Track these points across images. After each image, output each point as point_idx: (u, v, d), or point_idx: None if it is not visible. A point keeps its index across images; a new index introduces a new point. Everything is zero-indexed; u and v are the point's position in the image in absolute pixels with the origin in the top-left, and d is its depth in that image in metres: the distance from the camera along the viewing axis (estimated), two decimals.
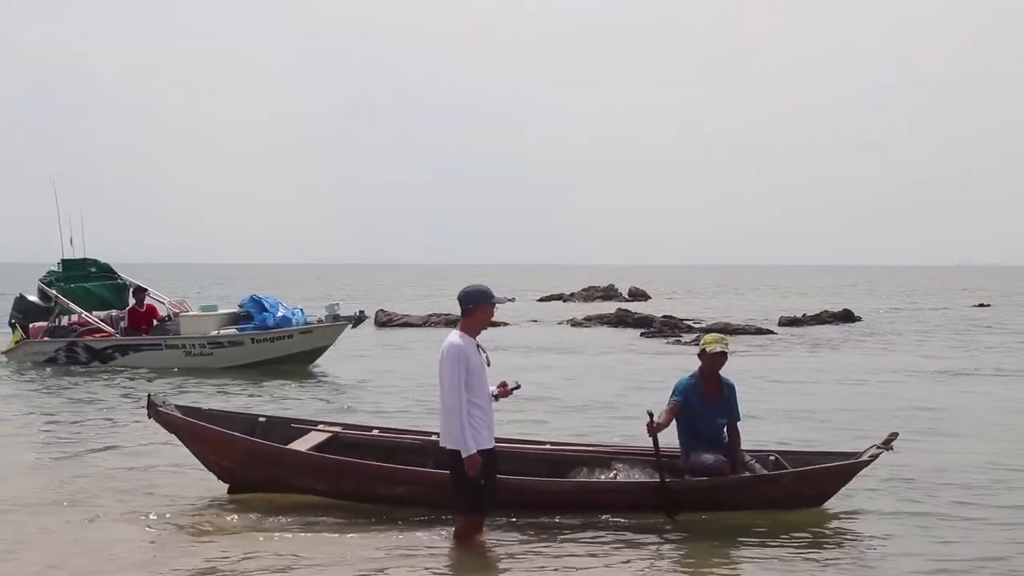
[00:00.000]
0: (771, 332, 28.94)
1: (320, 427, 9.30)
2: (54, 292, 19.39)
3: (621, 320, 32.53)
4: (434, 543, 7.31)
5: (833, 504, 8.23)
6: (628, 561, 7.04)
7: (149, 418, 8.63)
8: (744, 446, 8.30)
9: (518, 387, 7.43)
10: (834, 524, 7.94)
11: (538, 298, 52.09)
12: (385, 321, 33.04)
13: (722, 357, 8.06)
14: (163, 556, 7.06)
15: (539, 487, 7.96)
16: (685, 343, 24.99)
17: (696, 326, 29.94)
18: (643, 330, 29.60)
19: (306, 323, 18.87)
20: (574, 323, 33.31)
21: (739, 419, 8.21)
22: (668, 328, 29.50)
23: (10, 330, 19.99)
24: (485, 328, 7.14)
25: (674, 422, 8.05)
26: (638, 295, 52.01)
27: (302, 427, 9.26)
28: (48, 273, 20.13)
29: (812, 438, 11.45)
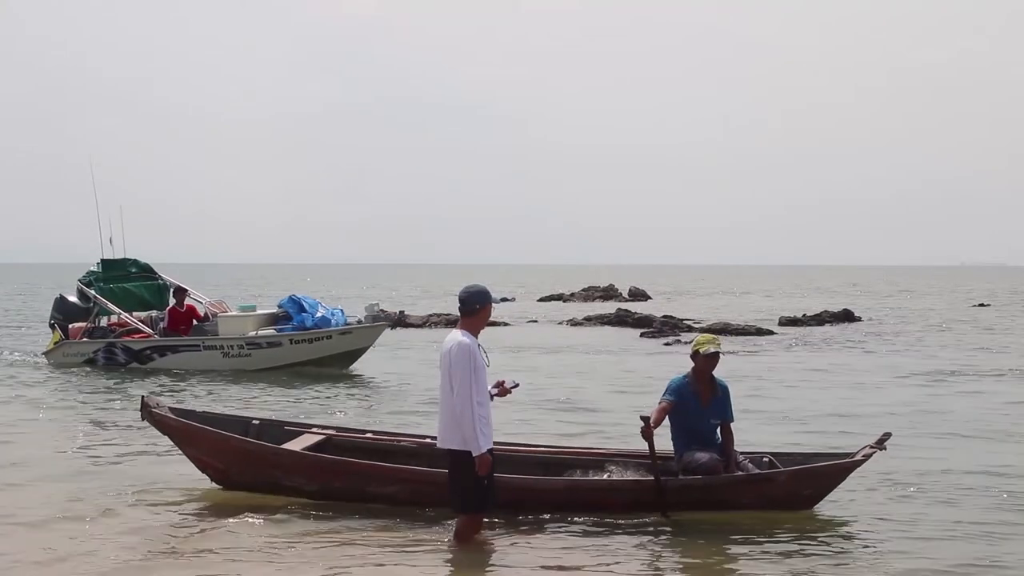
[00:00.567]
0: (771, 332, 28.93)
1: (313, 430, 9.30)
2: (93, 292, 19.21)
3: (621, 320, 32.53)
4: (434, 542, 7.32)
5: (826, 504, 8.24)
6: (627, 561, 7.05)
7: (142, 419, 8.62)
8: (739, 447, 8.33)
9: (516, 386, 7.44)
10: (827, 524, 7.94)
11: (538, 298, 52.09)
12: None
13: (715, 358, 8.08)
14: (155, 557, 7.06)
15: (532, 486, 7.96)
16: (685, 343, 24.96)
17: (696, 326, 29.92)
18: (643, 330, 29.59)
19: (346, 324, 18.58)
20: (574, 323, 33.30)
21: (733, 420, 8.23)
22: (668, 328, 29.48)
23: (51, 331, 19.67)
24: (483, 327, 7.16)
25: (668, 424, 8.06)
26: (638, 295, 51.99)
27: (295, 429, 9.26)
28: (87, 273, 19.91)
29: (808, 438, 11.45)
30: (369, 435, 9.34)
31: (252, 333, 18.30)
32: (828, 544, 7.45)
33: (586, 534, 7.56)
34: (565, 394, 15.62)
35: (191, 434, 8.54)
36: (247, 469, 8.36)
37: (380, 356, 20.52)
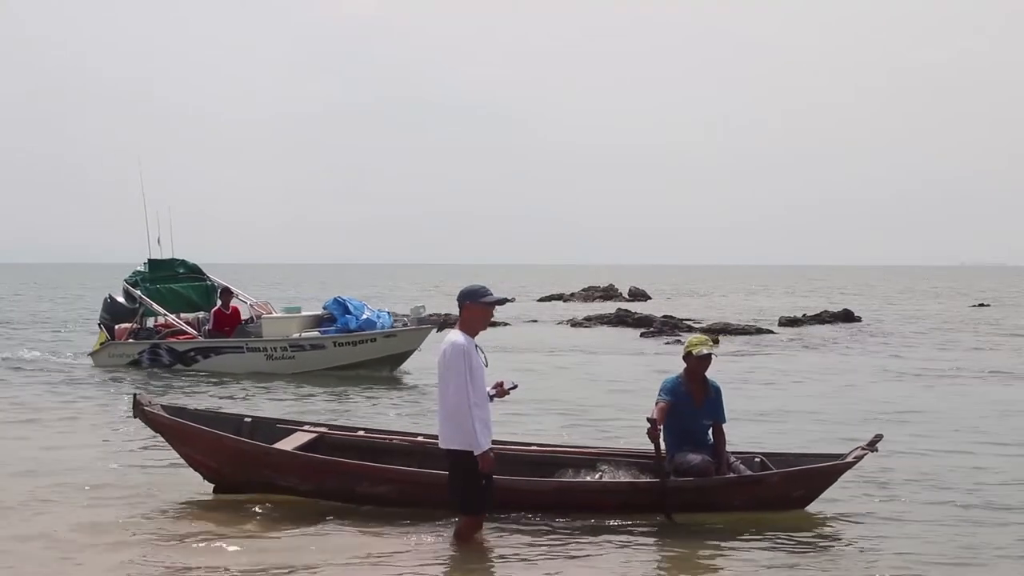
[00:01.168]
0: (771, 332, 28.94)
1: (306, 428, 9.30)
2: (138, 292, 19.07)
3: (621, 320, 32.52)
4: (434, 542, 7.31)
5: (818, 505, 8.23)
6: (627, 562, 7.05)
7: (135, 417, 8.60)
8: (732, 447, 8.35)
9: (515, 387, 7.43)
10: (819, 525, 7.95)
11: (538, 298, 52.06)
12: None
13: (708, 359, 8.12)
14: (148, 557, 7.04)
15: (525, 487, 7.94)
16: (685, 343, 24.91)
17: (696, 326, 29.91)
18: (643, 330, 29.59)
19: (392, 326, 18.25)
20: (574, 323, 33.29)
21: (725, 421, 8.23)
22: (668, 328, 29.47)
23: (100, 331, 19.59)
24: (483, 327, 7.13)
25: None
26: (638, 295, 51.96)
27: (288, 427, 9.25)
28: (134, 273, 19.75)
29: (804, 439, 11.43)
30: (362, 433, 9.33)
31: (296, 335, 18.06)
32: (820, 545, 7.46)
33: (586, 535, 7.55)
34: (564, 394, 15.61)
35: (184, 433, 8.53)
36: (240, 468, 8.35)
37: (426, 359, 20.06)
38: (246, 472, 8.33)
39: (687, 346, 8.23)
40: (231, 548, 7.22)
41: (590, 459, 8.62)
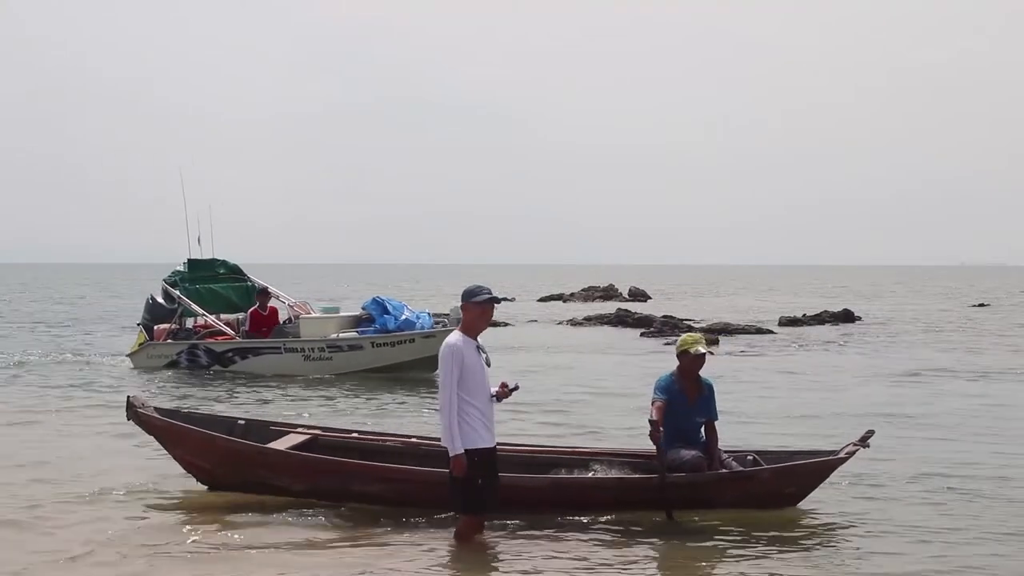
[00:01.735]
0: (771, 332, 28.94)
1: (299, 429, 9.29)
2: (177, 293, 18.83)
3: (621, 320, 32.52)
4: (434, 542, 7.30)
5: (811, 502, 8.23)
6: (627, 562, 7.06)
7: (128, 419, 8.57)
8: (726, 446, 8.37)
9: (517, 388, 7.44)
10: (812, 523, 7.94)
11: (538, 298, 52.08)
12: None
13: (703, 357, 8.13)
14: (140, 557, 7.04)
15: (518, 484, 7.90)
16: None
17: (696, 326, 29.90)
18: (643, 330, 29.59)
19: (432, 327, 17.76)
20: (574, 323, 33.30)
21: (717, 418, 8.25)
22: (668, 328, 29.45)
23: (139, 331, 19.34)
24: (483, 327, 7.13)
25: (645, 423, 8.10)
26: (638, 295, 51.97)
27: (281, 429, 9.25)
28: (173, 273, 19.49)
29: (801, 437, 11.40)
30: (355, 435, 9.34)
31: (334, 335, 17.75)
32: (811, 542, 7.46)
33: (586, 535, 7.55)
34: (562, 394, 15.62)
35: (177, 434, 8.51)
36: (233, 469, 8.34)
37: (511, 363, 19.29)
38: (239, 473, 8.32)
39: (682, 344, 8.21)
40: (224, 549, 7.21)
41: (583, 459, 8.64)
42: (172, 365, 18.25)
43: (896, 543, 7.44)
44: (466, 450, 6.81)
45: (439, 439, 9.07)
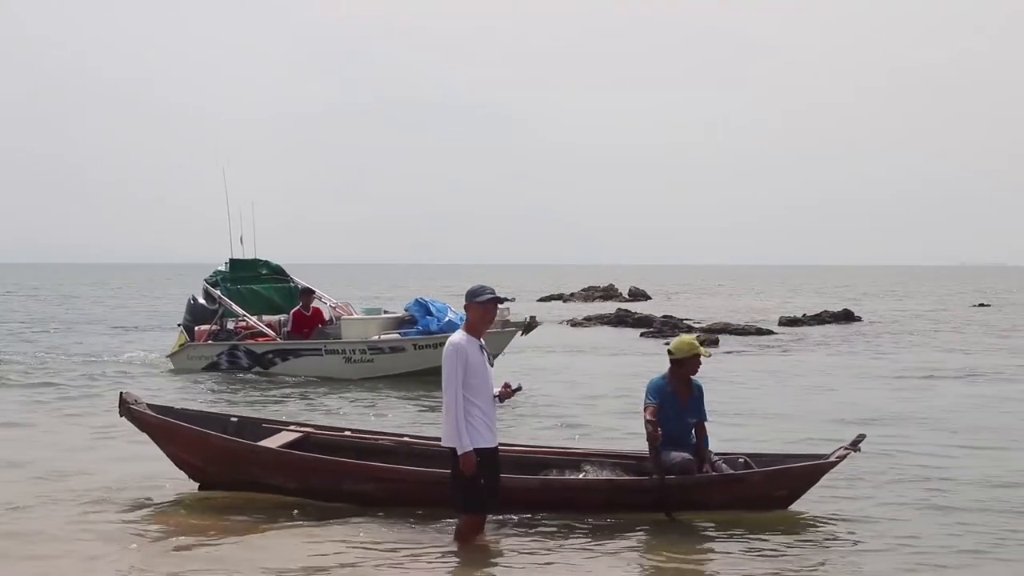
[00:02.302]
0: (771, 332, 28.94)
1: (291, 427, 9.30)
2: (218, 293, 18.58)
3: (621, 320, 32.53)
4: (434, 542, 7.30)
5: (802, 505, 8.24)
6: (626, 562, 7.07)
7: (121, 416, 8.59)
8: (718, 448, 8.40)
9: (519, 388, 7.46)
10: (803, 525, 7.95)
11: (538, 298, 52.06)
12: None
13: (699, 361, 8.15)
14: (133, 557, 7.05)
15: (507, 484, 7.92)
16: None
17: (696, 326, 29.91)
18: (643, 330, 29.60)
19: None
20: (574, 323, 33.30)
21: (707, 419, 8.27)
22: (668, 328, 29.46)
23: (179, 332, 19.03)
24: (486, 327, 7.15)
25: (640, 423, 8.14)
26: (638, 295, 51.99)
27: (274, 427, 9.25)
28: (214, 273, 19.25)
29: (797, 438, 11.41)
30: (347, 433, 9.35)
31: (375, 337, 17.34)
32: (804, 546, 7.46)
33: (587, 535, 7.57)
34: (558, 394, 15.63)
35: (169, 431, 8.53)
36: (225, 467, 8.35)
37: (512, 364, 18.90)
38: (231, 470, 8.33)
39: (678, 349, 8.19)
40: (221, 547, 7.22)
41: (574, 460, 8.64)
42: (212, 367, 17.97)
43: (887, 545, 7.44)
44: None
45: (431, 438, 9.15)
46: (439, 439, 8.83)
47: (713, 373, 17.15)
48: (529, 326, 18.25)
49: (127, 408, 8.47)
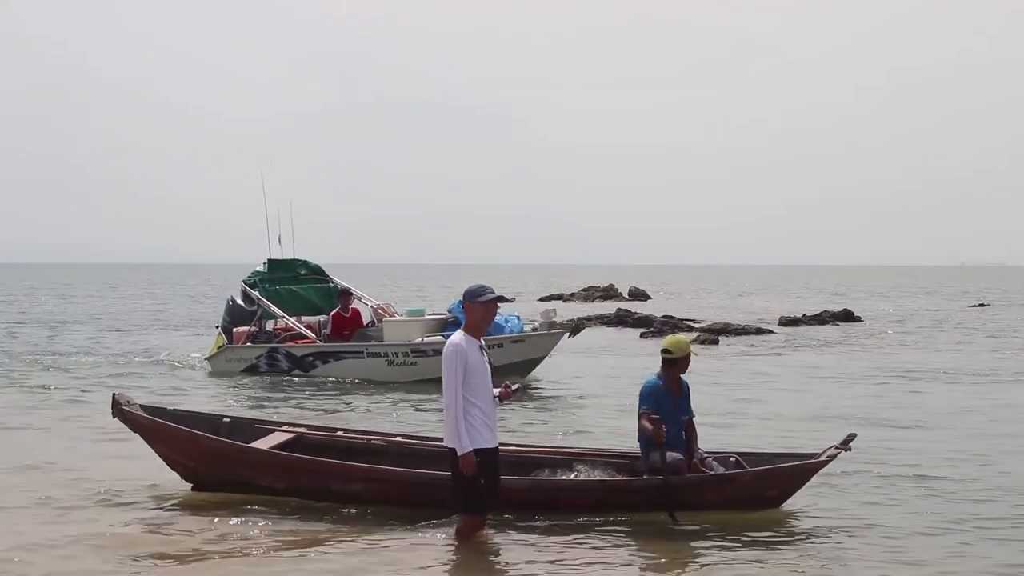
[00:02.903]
0: (771, 332, 28.96)
1: (284, 428, 9.30)
2: (256, 294, 18.27)
3: (621, 320, 32.53)
4: (433, 542, 7.31)
5: (792, 504, 8.25)
6: (627, 562, 7.09)
7: (113, 417, 8.59)
8: (709, 447, 8.45)
9: (519, 388, 7.47)
10: (792, 523, 7.97)
11: (538, 298, 52.04)
12: None
13: (689, 359, 8.23)
14: (126, 557, 7.04)
15: (510, 486, 7.92)
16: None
17: (696, 326, 29.93)
18: (643, 330, 29.60)
19: (521, 331, 17.16)
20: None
21: (694, 415, 8.31)
22: (668, 328, 29.41)
23: (217, 334, 18.74)
24: (486, 326, 7.16)
25: (636, 422, 8.19)
26: (638, 295, 52.01)
27: (266, 427, 9.26)
28: (252, 274, 18.92)
29: (793, 438, 11.43)
30: (340, 433, 9.36)
31: (419, 339, 16.99)
32: (795, 545, 7.49)
33: (586, 535, 7.57)
34: (560, 394, 15.65)
35: (161, 432, 8.54)
36: (216, 467, 8.37)
37: (558, 366, 18.93)
38: (222, 471, 8.35)
39: (674, 349, 8.25)
40: (216, 548, 7.21)
41: (567, 459, 8.65)
42: (251, 370, 17.64)
43: (876, 545, 7.45)
44: None
45: (423, 438, 9.17)
46: (432, 439, 8.90)
47: (713, 373, 17.14)
48: (576, 328, 18.14)
49: (119, 409, 8.47)
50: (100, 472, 9.56)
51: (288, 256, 19.34)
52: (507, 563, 7.01)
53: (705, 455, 8.26)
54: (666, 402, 8.09)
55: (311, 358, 17.38)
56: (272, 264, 19.11)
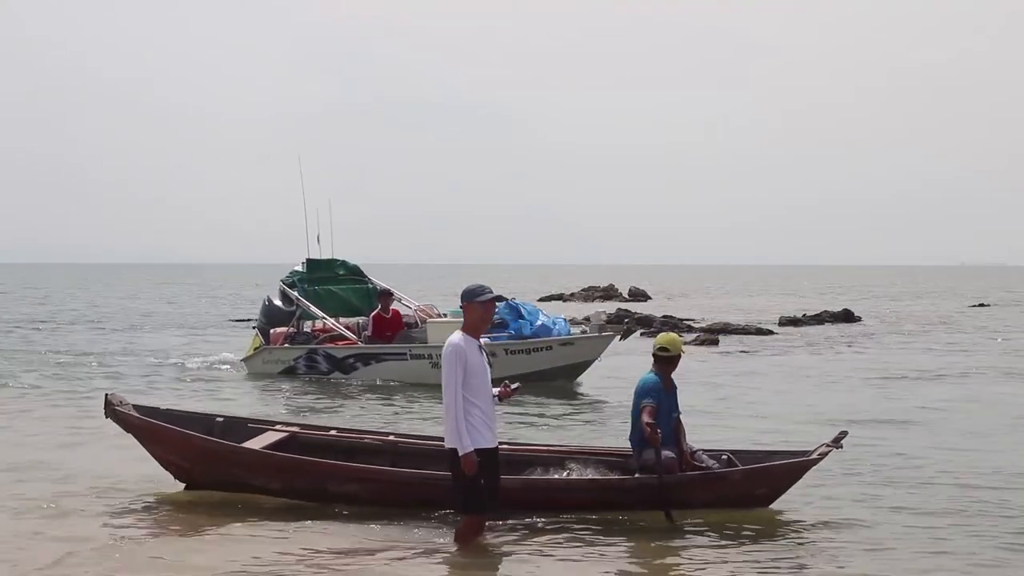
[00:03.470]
0: (771, 332, 28.98)
1: (277, 427, 9.30)
2: (295, 294, 17.97)
3: (621, 320, 32.51)
4: (433, 543, 7.31)
5: (783, 503, 8.26)
6: (621, 561, 7.11)
7: (106, 417, 8.58)
8: (704, 446, 8.51)
9: (518, 387, 7.48)
10: (783, 522, 7.98)
11: (538, 298, 52.03)
12: None
13: (679, 356, 8.32)
14: (121, 556, 7.05)
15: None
16: (685, 343, 24.87)
17: (696, 326, 29.96)
18: (643, 330, 29.60)
19: (569, 334, 16.86)
20: (574, 323, 33.23)
21: (680, 412, 8.37)
22: (668, 328, 29.43)
23: (254, 335, 18.50)
24: (485, 326, 7.17)
25: (628, 421, 8.25)
26: (638, 295, 52.02)
27: (260, 427, 9.26)
28: (291, 274, 18.61)
29: (790, 437, 11.44)
30: (334, 432, 9.35)
31: None
32: (786, 543, 7.51)
33: (585, 535, 7.59)
34: (559, 394, 15.64)
35: (154, 432, 8.54)
36: (209, 467, 8.37)
37: (608, 370, 18.44)
38: (215, 471, 8.35)
39: (670, 347, 8.28)
40: (211, 549, 7.23)
41: (559, 457, 8.66)
42: (289, 371, 17.30)
43: (867, 543, 7.47)
44: None
45: (418, 437, 9.18)
46: (426, 438, 8.91)
47: (712, 373, 17.22)
48: (628, 331, 17.91)
49: (112, 409, 8.45)
50: (91, 470, 9.58)
51: (327, 256, 19.06)
52: (499, 562, 7.02)
53: (695, 448, 8.32)
54: (662, 400, 8.12)
55: (352, 360, 17.01)
56: (311, 264, 18.75)
